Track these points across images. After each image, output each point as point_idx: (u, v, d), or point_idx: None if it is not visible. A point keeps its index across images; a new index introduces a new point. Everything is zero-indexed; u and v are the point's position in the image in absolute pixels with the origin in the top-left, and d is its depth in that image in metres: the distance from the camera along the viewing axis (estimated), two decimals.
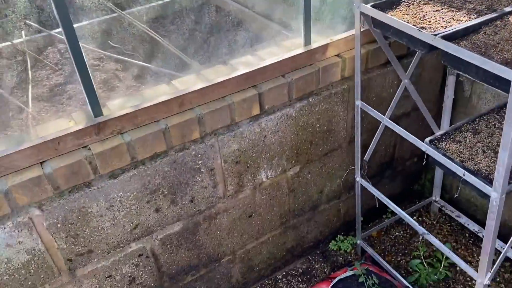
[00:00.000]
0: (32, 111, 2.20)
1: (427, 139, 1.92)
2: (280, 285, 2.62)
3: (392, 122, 2.04)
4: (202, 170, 1.99)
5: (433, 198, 2.90)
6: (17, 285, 1.74)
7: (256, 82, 1.98)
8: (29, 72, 2.55)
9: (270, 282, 2.64)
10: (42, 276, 1.78)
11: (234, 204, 2.21)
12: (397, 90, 2.24)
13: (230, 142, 1.99)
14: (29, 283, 1.77)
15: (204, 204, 2.10)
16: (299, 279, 2.65)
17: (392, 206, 2.27)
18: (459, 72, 1.74)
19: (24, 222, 1.63)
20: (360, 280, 2.30)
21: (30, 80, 2.51)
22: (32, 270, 1.74)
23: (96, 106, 1.70)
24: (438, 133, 1.96)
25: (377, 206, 2.49)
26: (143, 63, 2.37)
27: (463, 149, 1.85)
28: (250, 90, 1.97)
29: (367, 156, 2.39)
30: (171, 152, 1.87)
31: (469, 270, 1.92)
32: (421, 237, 2.78)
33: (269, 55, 2.06)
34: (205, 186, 2.05)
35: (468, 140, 1.89)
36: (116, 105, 1.81)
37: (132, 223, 1.91)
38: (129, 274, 2.04)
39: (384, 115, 2.12)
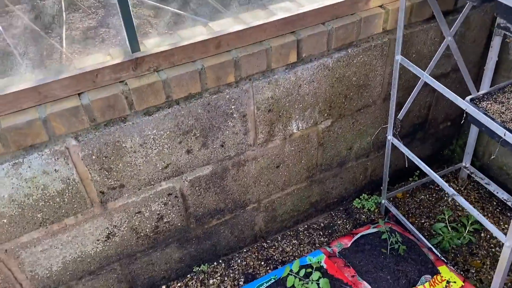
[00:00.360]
0: (66, 51, 2.21)
1: (468, 98, 1.85)
2: (301, 237, 2.65)
3: (432, 78, 1.98)
4: (234, 116, 1.98)
5: (463, 164, 2.84)
6: (51, 212, 1.80)
7: (295, 28, 1.93)
8: (63, 14, 2.55)
9: (291, 233, 2.67)
10: (75, 206, 1.84)
11: (263, 153, 2.21)
12: (439, 48, 2.15)
13: (264, 89, 1.97)
14: (63, 211, 1.83)
15: (234, 150, 2.11)
16: (321, 233, 2.67)
17: (423, 165, 2.24)
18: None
19: (60, 151, 1.67)
20: (383, 237, 2.31)
21: (64, 22, 2.51)
22: (66, 199, 1.80)
23: (134, 41, 1.69)
24: (480, 92, 1.89)
25: (407, 166, 2.46)
26: (177, 10, 2.34)
27: (505, 110, 1.79)
28: (289, 36, 1.92)
29: (400, 115, 2.34)
30: (205, 94, 1.86)
31: (498, 233, 1.89)
32: (450, 199, 2.75)
33: (309, 1, 1.99)
34: (236, 132, 2.05)
35: (511, 102, 1.82)
36: (153, 43, 1.80)
37: (163, 162, 1.93)
38: (158, 212, 2.09)
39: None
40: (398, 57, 2.11)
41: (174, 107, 1.81)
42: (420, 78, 2.10)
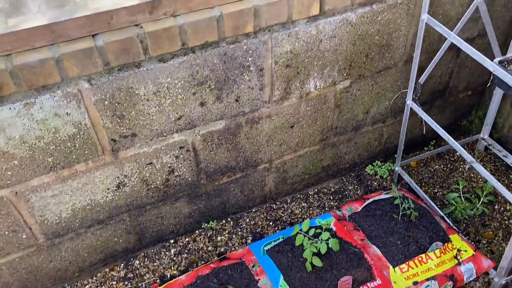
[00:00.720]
0: None
1: (497, 59, 1.77)
2: (311, 200, 2.62)
3: (459, 38, 1.89)
4: (251, 69, 1.92)
5: (481, 135, 2.77)
6: (62, 156, 1.78)
7: None
8: None
9: (301, 196, 2.65)
10: (86, 152, 1.82)
11: (278, 111, 2.16)
12: (467, 10, 2.05)
13: (283, 42, 1.90)
14: (73, 156, 1.80)
15: (248, 106, 2.06)
16: (331, 197, 2.64)
17: (441, 131, 2.17)
18: None
19: (73, 93, 1.63)
20: (396, 202, 2.27)
21: None
22: (77, 144, 1.77)
23: None
24: (509, 55, 1.81)
25: (424, 132, 2.40)
26: None
27: None
28: None
29: (422, 79, 2.26)
30: (222, 43, 1.80)
31: None
32: (468, 166, 2.69)
33: None
34: (251, 87, 1.99)
35: None
36: None
37: (177, 113, 1.89)
38: (169, 165, 2.06)
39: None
40: (425, 16, 2.01)
41: (190, 55, 1.75)
42: (446, 39, 2.01)
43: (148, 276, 2.26)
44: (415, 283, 2.03)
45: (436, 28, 1.98)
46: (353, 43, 2.06)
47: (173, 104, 1.86)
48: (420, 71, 2.26)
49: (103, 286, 2.24)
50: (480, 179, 2.68)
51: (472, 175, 2.70)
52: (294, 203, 2.61)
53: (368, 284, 2.01)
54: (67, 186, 1.88)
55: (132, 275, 2.27)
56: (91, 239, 2.14)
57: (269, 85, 2.03)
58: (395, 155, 2.67)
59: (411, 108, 2.33)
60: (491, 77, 1.81)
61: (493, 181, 1.95)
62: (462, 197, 2.53)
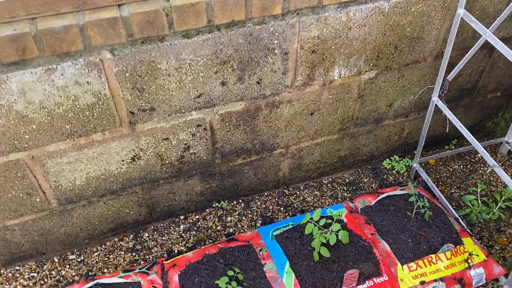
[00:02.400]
0: None
1: None
2: (324, 189, 2.60)
3: (495, 37, 1.81)
4: (276, 52, 1.88)
5: (506, 138, 2.69)
6: (79, 125, 1.78)
7: None
8: None
9: (315, 184, 2.62)
10: (103, 122, 1.81)
11: (299, 97, 2.12)
12: (506, 8, 1.96)
13: (311, 27, 1.84)
14: (91, 126, 1.80)
15: (269, 89, 2.02)
16: (344, 188, 2.61)
17: (465, 131, 2.11)
18: None
19: (95, 62, 1.62)
20: (411, 200, 2.23)
21: None
22: (95, 114, 1.77)
23: None
24: None
25: (447, 130, 2.33)
26: None
27: None
28: None
29: (450, 76, 2.19)
30: (249, 23, 1.75)
31: None
32: (489, 170, 2.63)
33: None
34: (275, 70, 1.95)
35: None
36: None
37: (197, 90, 1.87)
38: (185, 142, 2.05)
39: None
40: (461, 11, 1.93)
41: (215, 33, 1.72)
42: (480, 37, 1.93)
43: (155, 250, 2.28)
44: (422, 282, 2.00)
45: (471, 24, 1.90)
46: (383, 33, 1.99)
47: (194, 82, 1.83)
48: (450, 67, 2.18)
49: (111, 255, 2.27)
50: (500, 184, 2.61)
51: (492, 179, 2.64)
52: (307, 190, 2.59)
53: (374, 279, 1.99)
54: (82, 155, 1.89)
55: (140, 247, 2.30)
56: (102, 208, 2.16)
57: (293, 70, 1.98)
58: (415, 151, 2.62)
59: (436, 105, 2.26)
60: None
61: None
62: (479, 200, 2.47)
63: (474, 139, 2.06)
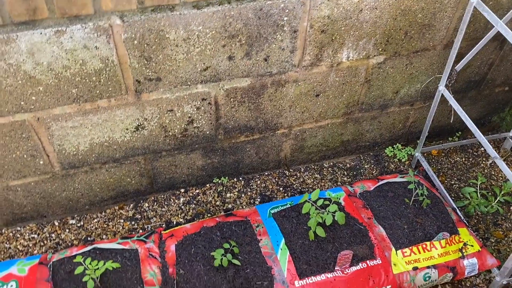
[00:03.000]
0: None
1: None
2: (324, 173, 2.61)
3: (507, 28, 1.79)
4: (285, 29, 1.88)
5: (510, 134, 2.68)
6: (86, 90, 1.80)
7: None
8: None
9: (315, 167, 2.64)
10: (110, 89, 1.83)
11: (306, 77, 2.12)
12: None
13: (322, 5, 1.84)
14: (97, 91, 1.82)
15: (276, 67, 2.02)
16: (345, 172, 2.62)
17: (469, 122, 2.10)
18: None
19: (104, 27, 1.63)
20: (410, 187, 2.24)
21: None
22: (102, 80, 1.78)
23: None
24: None
25: (452, 121, 2.33)
26: None
27: None
28: None
29: (459, 66, 2.18)
30: None
31: None
32: (490, 162, 2.63)
33: None
34: (283, 48, 1.95)
35: None
36: None
37: (203, 63, 1.88)
38: (189, 115, 2.06)
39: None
40: (474, 0, 1.91)
41: (225, 6, 1.72)
42: (492, 27, 1.91)
43: (154, 220, 2.32)
44: (415, 268, 2.02)
45: (484, 13, 1.89)
46: (394, 17, 1.98)
47: (201, 54, 1.84)
48: (459, 57, 2.17)
49: (111, 222, 2.30)
50: (501, 178, 2.62)
51: (493, 173, 2.64)
52: (307, 172, 2.61)
53: (367, 261, 2.02)
54: (87, 120, 1.91)
55: (139, 216, 2.33)
56: (104, 176, 2.19)
57: (301, 49, 1.98)
58: (418, 141, 2.62)
59: (442, 94, 2.26)
60: None
61: None
62: (478, 193, 2.48)
63: (478, 130, 2.06)
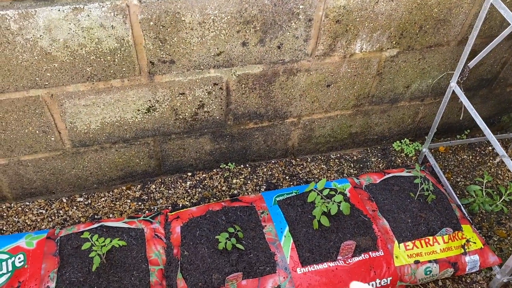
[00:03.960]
0: None
1: None
2: (331, 164, 2.63)
3: None
4: (300, 17, 1.88)
5: None
6: (100, 69, 1.81)
7: None
8: None
9: (322, 158, 2.65)
10: (123, 69, 1.84)
11: (318, 67, 2.13)
12: None
13: None
14: (111, 71, 1.83)
15: (289, 55, 2.03)
16: (351, 164, 2.64)
17: (479, 120, 2.10)
18: None
19: (121, 7, 1.64)
20: (416, 181, 2.25)
21: None
22: (116, 60, 1.80)
23: None
24: None
25: (461, 118, 2.33)
26: None
27: None
28: None
29: (472, 63, 2.17)
30: None
31: None
32: (497, 160, 2.63)
33: None
34: (297, 36, 1.95)
35: None
36: None
37: (217, 48, 1.88)
38: (200, 99, 2.08)
39: None
40: None
41: None
42: (508, 25, 1.90)
43: (161, 202, 2.35)
44: (417, 262, 2.04)
45: (500, 11, 1.88)
46: (409, 11, 1.98)
47: (215, 38, 1.85)
48: (472, 55, 2.17)
49: (118, 202, 2.34)
50: (507, 177, 2.62)
51: (500, 172, 2.64)
52: (314, 163, 2.62)
53: (370, 253, 2.04)
54: (100, 99, 1.93)
55: (146, 197, 2.36)
56: (114, 155, 2.21)
57: (315, 38, 1.98)
58: (426, 136, 2.62)
59: (453, 91, 2.25)
60: None
61: None
62: (483, 191, 2.48)
63: (487, 127, 2.06)
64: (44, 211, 2.27)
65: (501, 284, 2.12)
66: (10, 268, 1.87)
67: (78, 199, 2.33)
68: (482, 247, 2.14)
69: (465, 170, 2.65)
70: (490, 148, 2.76)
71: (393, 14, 1.97)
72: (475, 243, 2.14)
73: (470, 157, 2.73)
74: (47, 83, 1.80)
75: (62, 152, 2.11)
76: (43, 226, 2.21)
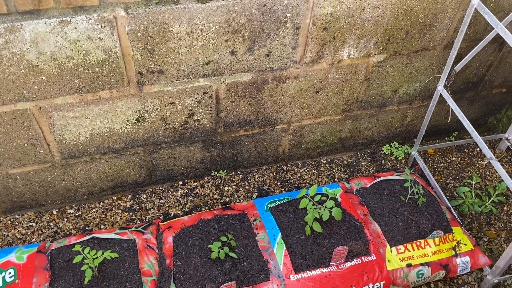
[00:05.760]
0: None
1: None
2: (321, 169, 2.64)
3: (507, 31, 1.82)
4: (287, 25, 1.89)
5: (506, 135, 2.72)
6: (88, 80, 1.80)
7: None
8: None
9: (313, 163, 2.66)
10: (112, 80, 1.84)
11: (306, 74, 2.14)
12: None
13: (325, 3, 1.85)
14: (100, 82, 1.83)
15: (278, 63, 2.04)
16: (342, 169, 2.65)
17: (466, 123, 2.13)
18: None
19: (108, 19, 1.63)
20: (406, 185, 2.27)
21: None
22: (104, 71, 1.79)
23: None
24: None
25: (449, 121, 2.36)
26: None
27: None
28: None
29: (458, 67, 2.20)
30: None
31: None
32: (485, 162, 2.66)
33: None
34: (285, 44, 1.96)
35: None
36: None
37: (206, 57, 1.89)
38: (190, 108, 2.08)
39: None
40: (475, 1, 1.93)
41: (229, 0, 1.73)
42: (492, 29, 1.94)
43: (152, 211, 2.34)
44: (409, 265, 2.06)
45: (484, 15, 1.91)
46: (395, 17, 2.00)
47: (204, 48, 1.85)
48: (458, 58, 2.20)
49: (109, 212, 2.32)
50: (495, 178, 2.65)
51: (488, 173, 2.67)
52: (305, 168, 2.63)
53: (362, 257, 2.05)
54: (89, 110, 1.92)
55: (137, 208, 2.35)
56: (104, 166, 2.20)
57: (303, 46, 2.00)
58: (415, 139, 2.65)
59: (440, 94, 2.28)
60: None
61: (508, 181, 1.93)
62: (472, 193, 2.51)
63: (474, 130, 2.09)
64: (34, 224, 2.25)
65: (492, 285, 2.14)
66: (0, 284, 1.85)
67: (69, 211, 2.32)
68: (473, 248, 2.16)
69: (454, 172, 2.68)
70: (478, 149, 2.79)
71: (380, 20, 1.99)
72: (465, 244, 2.16)
73: (459, 158, 2.76)
74: (35, 96, 1.79)
75: (51, 164, 2.09)
76: (34, 240, 2.19)
